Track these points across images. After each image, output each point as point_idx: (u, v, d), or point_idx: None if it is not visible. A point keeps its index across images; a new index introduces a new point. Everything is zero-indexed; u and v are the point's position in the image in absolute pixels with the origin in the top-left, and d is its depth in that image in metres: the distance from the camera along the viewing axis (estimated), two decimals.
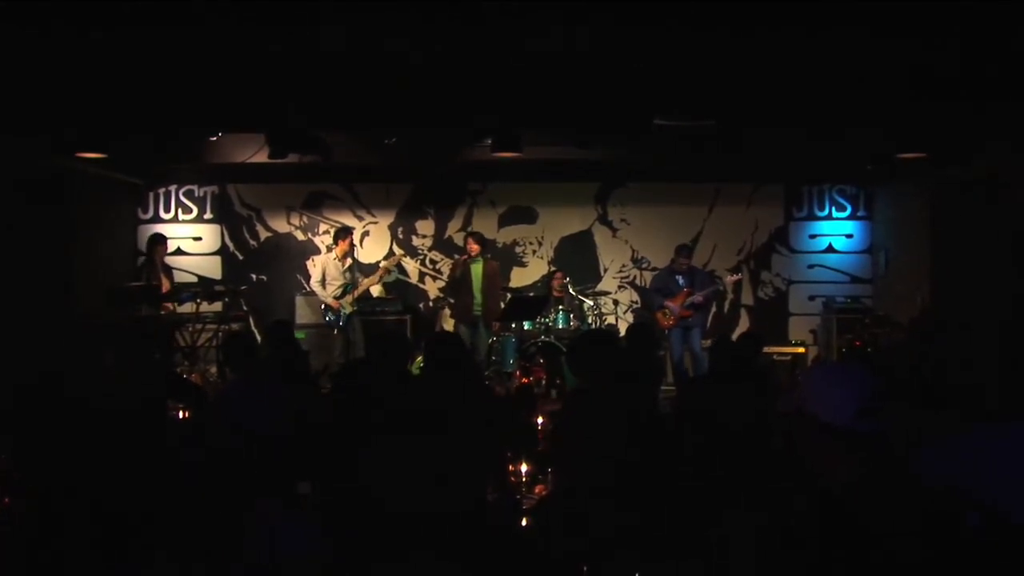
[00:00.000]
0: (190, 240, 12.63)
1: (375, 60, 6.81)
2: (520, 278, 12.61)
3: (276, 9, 5.68)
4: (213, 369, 10.73)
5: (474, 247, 11.02)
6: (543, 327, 10.96)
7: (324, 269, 11.10)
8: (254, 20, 5.90)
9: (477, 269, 11.08)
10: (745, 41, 6.34)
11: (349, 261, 11.17)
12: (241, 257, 12.68)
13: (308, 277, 12.02)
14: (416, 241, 12.69)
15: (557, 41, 6.39)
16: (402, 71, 7.14)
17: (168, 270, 11.28)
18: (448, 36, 6.34)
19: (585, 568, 3.28)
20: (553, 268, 12.03)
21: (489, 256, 11.44)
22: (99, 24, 5.94)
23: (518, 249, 12.70)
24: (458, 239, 12.54)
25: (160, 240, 11.29)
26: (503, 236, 12.62)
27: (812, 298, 12.63)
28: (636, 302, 12.50)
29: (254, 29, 6.10)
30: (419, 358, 9.78)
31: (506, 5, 5.70)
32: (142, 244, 11.90)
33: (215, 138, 10.24)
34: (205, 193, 12.67)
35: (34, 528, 3.25)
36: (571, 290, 11.38)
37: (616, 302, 11.95)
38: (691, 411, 5.58)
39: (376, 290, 11.94)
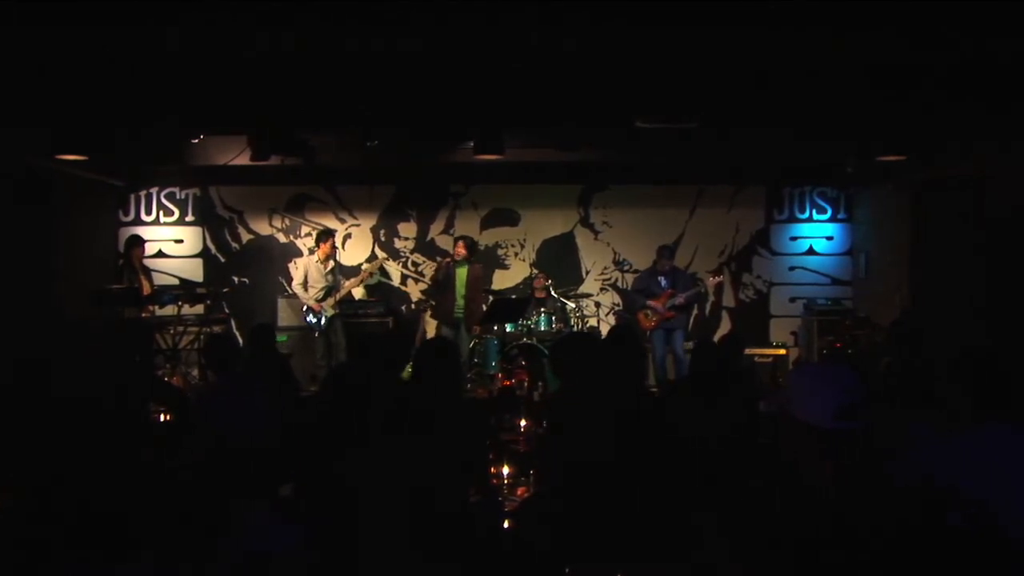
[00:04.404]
0: (171, 242, 12.57)
1: (357, 61, 6.81)
2: (502, 280, 12.62)
3: (258, 9, 5.68)
4: (195, 371, 10.72)
5: (461, 251, 11.02)
6: (525, 329, 10.98)
7: (306, 271, 11.09)
8: (236, 20, 5.89)
9: (462, 272, 11.08)
10: (726, 41, 6.36)
11: (331, 264, 11.17)
12: (223, 259, 12.63)
13: (290, 279, 11.96)
14: (398, 243, 12.67)
15: (539, 42, 6.40)
16: (385, 72, 7.13)
17: (148, 272, 11.27)
18: (430, 38, 6.34)
19: (567, 569, 3.29)
20: (535, 270, 12.05)
21: (474, 260, 11.42)
22: (78, 25, 5.92)
23: (500, 251, 12.70)
24: (440, 241, 12.56)
25: (137, 242, 11.28)
26: (485, 238, 12.60)
27: (793, 300, 12.68)
28: (618, 304, 12.52)
29: (236, 29, 6.09)
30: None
31: (488, 6, 5.71)
32: (123, 246, 11.86)
33: (197, 140, 10.20)
34: (187, 195, 12.62)
35: (14, 528, 3.24)
36: (553, 292, 11.39)
37: (598, 304, 11.95)
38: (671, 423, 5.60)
39: (358, 292, 11.94)
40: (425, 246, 12.68)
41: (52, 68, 6.81)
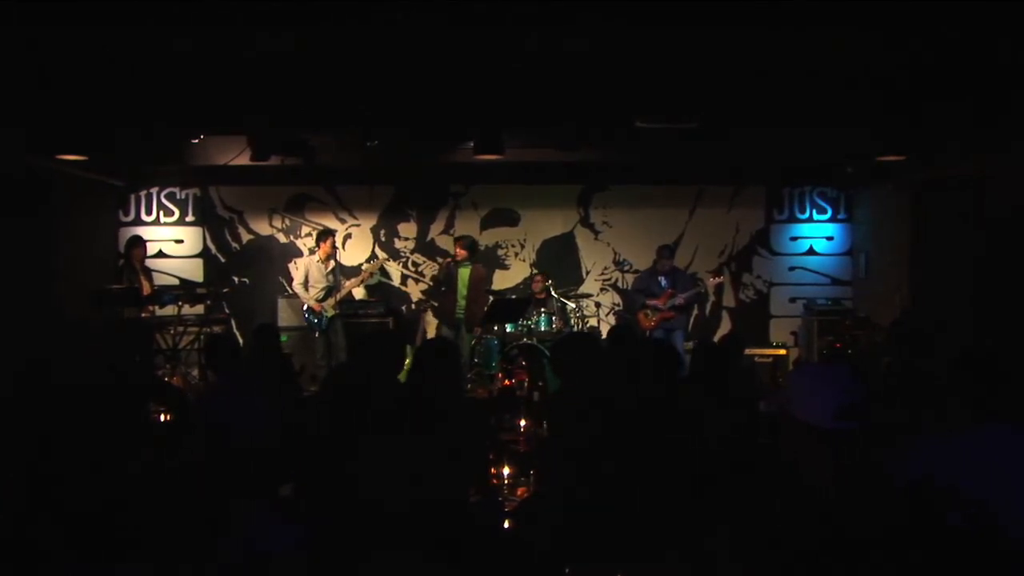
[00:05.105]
0: (172, 243, 12.57)
1: (357, 61, 6.81)
2: (502, 280, 12.62)
3: (258, 9, 5.67)
4: (195, 372, 10.72)
5: (460, 252, 11.01)
6: (525, 329, 10.97)
7: (307, 271, 11.09)
8: (236, 20, 5.89)
9: (464, 273, 11.08)
10: (726, 41, 6.36)
11: (332, 264, 11.17)
12: (223, 259, 12.63)
13: (290, 279, 11.96)
14: (398, 243, 12.67)
15: (539, 43, 6.40)
16: (385, 72, 7.13)
17: (148, 272, 11.28)
18: (430, 38, 6.34)
19: (567, 569, 3.29)
20: (535, 270, 12.05)
21: (476, 260, 11.40)
22: (78, 25, 5.92)
23: (500, 251, 12.70)
24: (440, 241, 12.56)
25: (137, 243, 11.29)
26: (485, 238, 12.59)
27: (793, 300, 12.68)
28: (618, 304, 12.52)
29: (236, 29, 6.09)
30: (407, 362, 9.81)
31: (490, 7, 5.71)
32: (123, 247, 11.86)
33: (197, 140, 10.20)
34: (187, 195, 12.62)
35: (15, 528, 3.24)
36: (553, 292, 11.39)
37: (598, 304, 11.95)
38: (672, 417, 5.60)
39: (359, 292, 11.94)
40: (425, 246, 12.68)
41: (52, 68, 6.81)
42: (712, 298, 12.67)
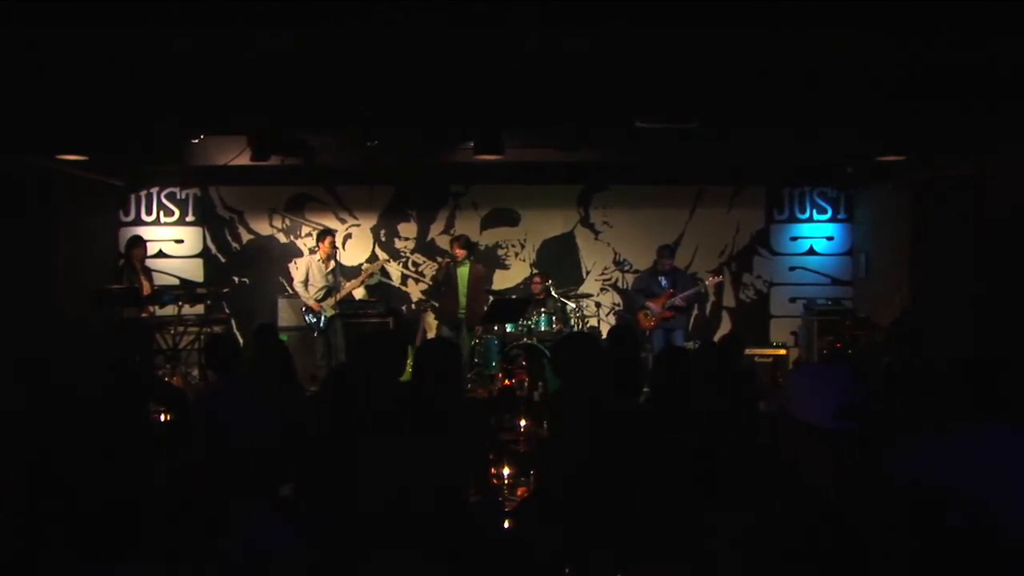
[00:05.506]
0: (172, 243, 12.58)
1: (357, 61, 6.81)
2: (503, 280, 12.63)
3: (258, 9, 5.67)
4: (195, 372, 10.72)
5: (459, 252, 11.01)
6: (525, 329, 10.97)
7: (308, 271, 11.09)
8: (236, 20, 5.89)
9: (463, 272, 11.08)
10: (726, 41, 6.36)
11: (332, 264, 11.16)
12: (223, 259, 12.63)
13: (290, 279, 11.97)
14: (399, 244, 12.67)
15: (539, 43, 6.40)
16: (385, 72, 7.13)
17: (148, 272, 11.28)
18: (430, 38, 6.33)
19: (567, 569, 3.29)
20: (535, 270, 12.05)
21: (473, 259, 11.41)
22: (78, 25, 5.92)
23: (500, 251, 12.70)
24: (440, 241, 12.55)
25: (137, 243, 11.29)
26: (486, 238, 12.62)
27: (793, 300, 12.68)
28: (618, 304, 12.52)
29: (236, 29, 6.09)
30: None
31: (490, 7, 5.71)
32: (124, 247, 11.86)
33: (197, 140, 10.20)
34: (187, 195, 12.62)
35: (15, 528, 3.24)
36: (553, 292, 11.38)
37: (598, 304, 11.94)
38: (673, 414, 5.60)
39: (359, 292, 11.93)
40: (425, 246, 12.68)
41: (52, 68, 6.81)
42: (712, 298, 12.67)
